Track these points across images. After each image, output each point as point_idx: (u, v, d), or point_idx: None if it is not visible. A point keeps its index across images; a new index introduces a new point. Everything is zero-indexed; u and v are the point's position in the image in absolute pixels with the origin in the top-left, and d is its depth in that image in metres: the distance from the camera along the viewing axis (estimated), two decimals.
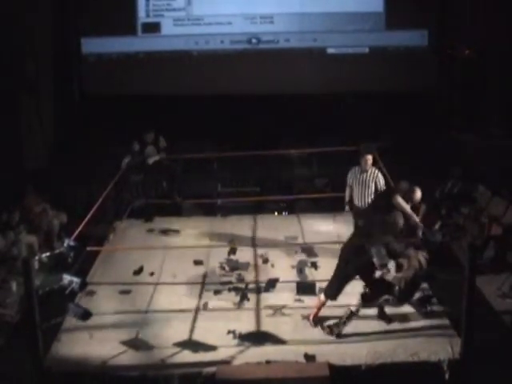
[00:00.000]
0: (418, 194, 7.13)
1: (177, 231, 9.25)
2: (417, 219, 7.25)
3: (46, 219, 8.65)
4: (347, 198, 8.27)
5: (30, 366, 5.85)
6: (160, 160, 9.72)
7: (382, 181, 8.02)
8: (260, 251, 8.27)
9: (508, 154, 10.15)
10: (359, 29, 12.10)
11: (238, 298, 7.17)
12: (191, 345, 6.28)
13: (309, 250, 8.19)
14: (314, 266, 7.94)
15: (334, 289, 6.48)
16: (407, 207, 7.10)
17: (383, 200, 6.81)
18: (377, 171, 8.09)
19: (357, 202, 8.05)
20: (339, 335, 6.38)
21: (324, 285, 7.25)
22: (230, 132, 11.32)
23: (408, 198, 7.07)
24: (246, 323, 6.64)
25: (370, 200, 7.90)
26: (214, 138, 11.12)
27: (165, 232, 9.26)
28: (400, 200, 6.86)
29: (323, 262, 7.84)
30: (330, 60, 12.25)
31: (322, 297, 6.61)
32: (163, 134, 9.79)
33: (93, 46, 12.20)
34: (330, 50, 12.28)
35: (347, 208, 8.31)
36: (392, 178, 8.32)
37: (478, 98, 11.69)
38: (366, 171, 8.02)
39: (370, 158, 8.06)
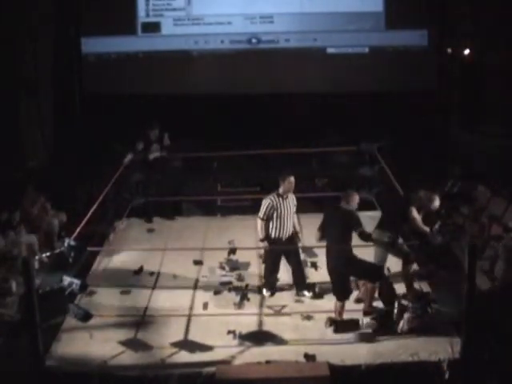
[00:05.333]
0: (437, 202, 7.01)
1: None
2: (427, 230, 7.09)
3: (46, 219, 8.65)
4: (264, 234, 7.14)
5: (30, 365, 5.86)
6: (161, 158, 9.68)
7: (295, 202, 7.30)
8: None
9: (508, 154, 10.15)
10: (359, 29, 12.09)
11: (238, 298, 7.18)
12: (191, 345, 6.29)
13: (309, 250, 8.18)
14: (314, 266, 7.94)
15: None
16: (420, 224, 6.94)
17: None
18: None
19: (279, 233, 7.15)
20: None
21: (324, 285, 7.29)
22: (229, 132, 11.31)
23: (425, 206, 6.94)
24: (246, 323, 6.63)
25: (290, 229, 7.14)
26: (213, 138, 11.11)
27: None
28: (415, 213, 6.77)
29: (323, 262, 7.80)
30: (330, 60, 12.24)
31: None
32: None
33: (93, 45, 12.19)
34: (330, 50, 12.27)
35: (266, 244, 7.17)
36: (392, 177, 8.33)
37: (477, 97, 11.69)
38: (288, 197, 7.14)
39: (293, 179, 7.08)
